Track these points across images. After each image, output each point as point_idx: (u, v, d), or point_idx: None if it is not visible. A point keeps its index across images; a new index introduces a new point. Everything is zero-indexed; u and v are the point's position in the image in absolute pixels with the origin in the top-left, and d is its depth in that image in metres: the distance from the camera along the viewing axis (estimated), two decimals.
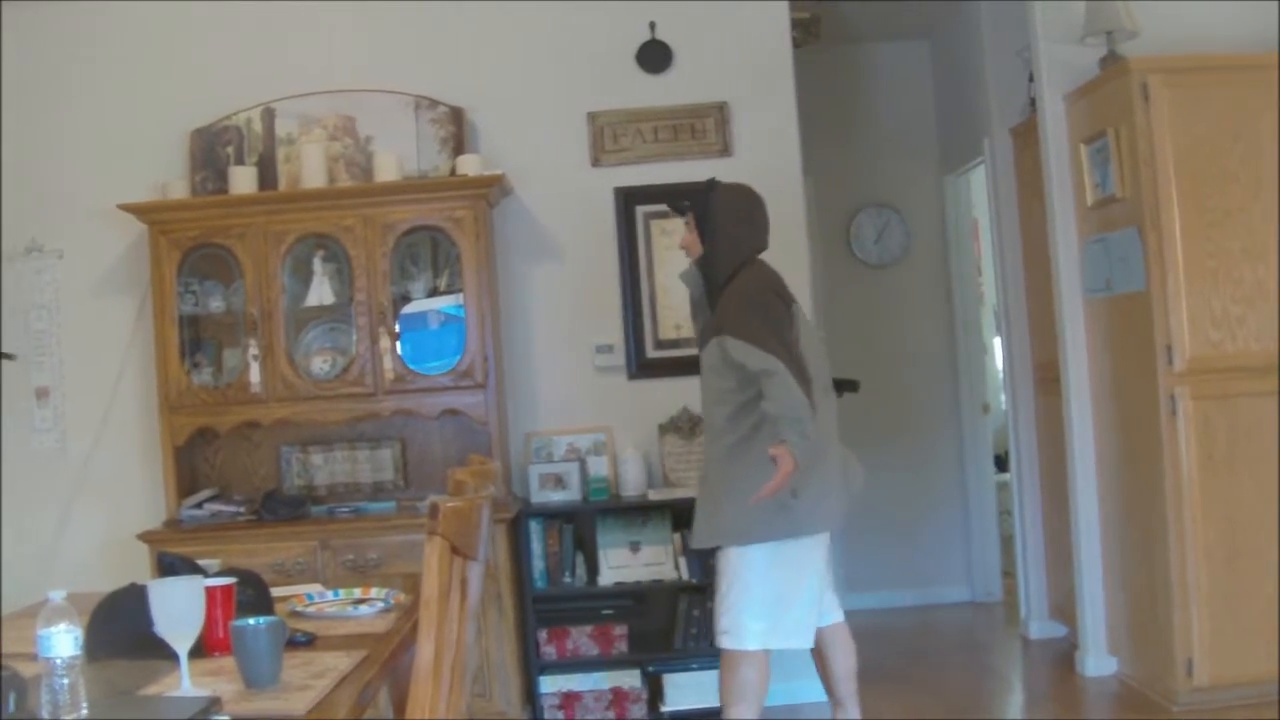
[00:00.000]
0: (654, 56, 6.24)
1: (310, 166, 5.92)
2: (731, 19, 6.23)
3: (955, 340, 8.11)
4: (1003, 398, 7.70)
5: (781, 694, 5.62)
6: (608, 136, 6.21)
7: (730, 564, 4.63)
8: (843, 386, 4.99)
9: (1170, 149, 5.43)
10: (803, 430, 4.31)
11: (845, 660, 4.91)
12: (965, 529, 8.05)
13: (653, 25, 6.24)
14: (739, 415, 4.58)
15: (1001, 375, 7.73)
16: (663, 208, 5.94)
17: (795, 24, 6.43)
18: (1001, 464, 8.15)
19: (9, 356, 5.79)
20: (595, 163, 6.22)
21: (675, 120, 6.22)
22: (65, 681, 2.36)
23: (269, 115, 6.17)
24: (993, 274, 7.74)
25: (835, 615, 4.91)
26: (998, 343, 7.97)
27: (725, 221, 4.71)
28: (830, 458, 4.61)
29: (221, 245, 5.87)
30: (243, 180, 5.93)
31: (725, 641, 4.64)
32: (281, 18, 6.28)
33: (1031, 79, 6.43)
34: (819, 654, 4.88)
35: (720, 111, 6.21)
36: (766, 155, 6.18)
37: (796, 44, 6.42)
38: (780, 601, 4.55)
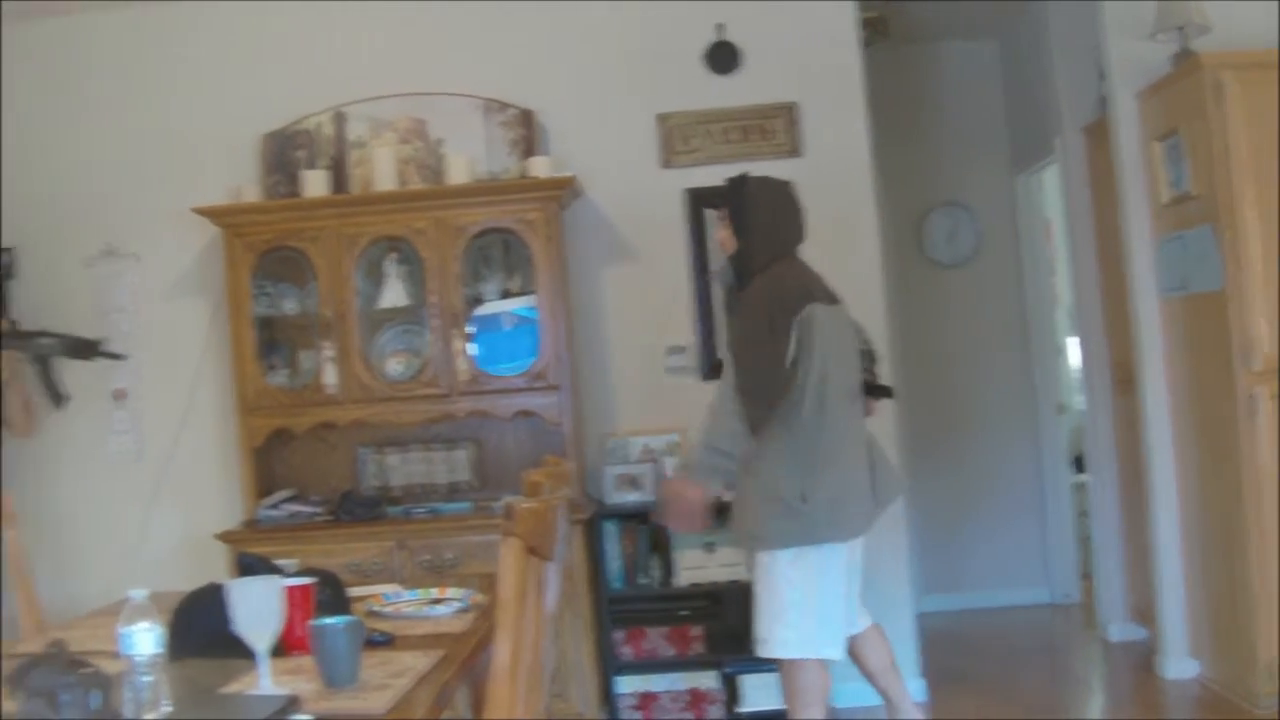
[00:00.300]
0: (722, 57, 6.23)
1: (382, 169, 5.96)
2: (800, 19, 6.21)
3: (1029, 340, 8.04)
4: (1079, 398, 7.63)
5: (853, 695, 5.58)
6: (677, 138, 6.20)
7: (760, 570, 4.58)
8: (874, 391, 4.87)
9: (1244, 145, 5.36)
10: (713, 465, 4.42)
11: (877, 656, 4.85)
12: (1042, 530, 7.98)
13: (721, 26, 6.23)
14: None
15: (1078, 375, 7.66)
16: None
17: (864, 23, 6.41)
18: (1079, 465, 8.07)
19: (118, 356, 5.84)
20: (665, 164, 6.21)
21: (744, 121, 6.21)
22: (147, 679, 2.38)
23: (340, 119, 6.21)
24: (1066, 273, 7.68)
25: (864, 622, 4.83)
26: (1073, 342, 7.91)
27: (758, 216, 4.64)
28: (851, 463, 4.51)
29: (295, 248, 5.91)
30: (315, 183, 5.98)
31: (761, 650, 4.59)
32: (352, 22, 6.33)
33: (1102, 77, 6.38)
34: (854, 657, 4.83)
35: (789, 112, 6.19)
36: (836, 155, 6.15)
37: (865, 43, 6.39)
38: (806, 609, 4.46)
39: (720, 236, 4.80)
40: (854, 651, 4.79)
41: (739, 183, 4.75)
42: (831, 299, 4.62)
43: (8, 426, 5.84)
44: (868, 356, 4.96)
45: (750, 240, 4.63)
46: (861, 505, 4.53)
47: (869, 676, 4.90)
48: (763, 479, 4.48)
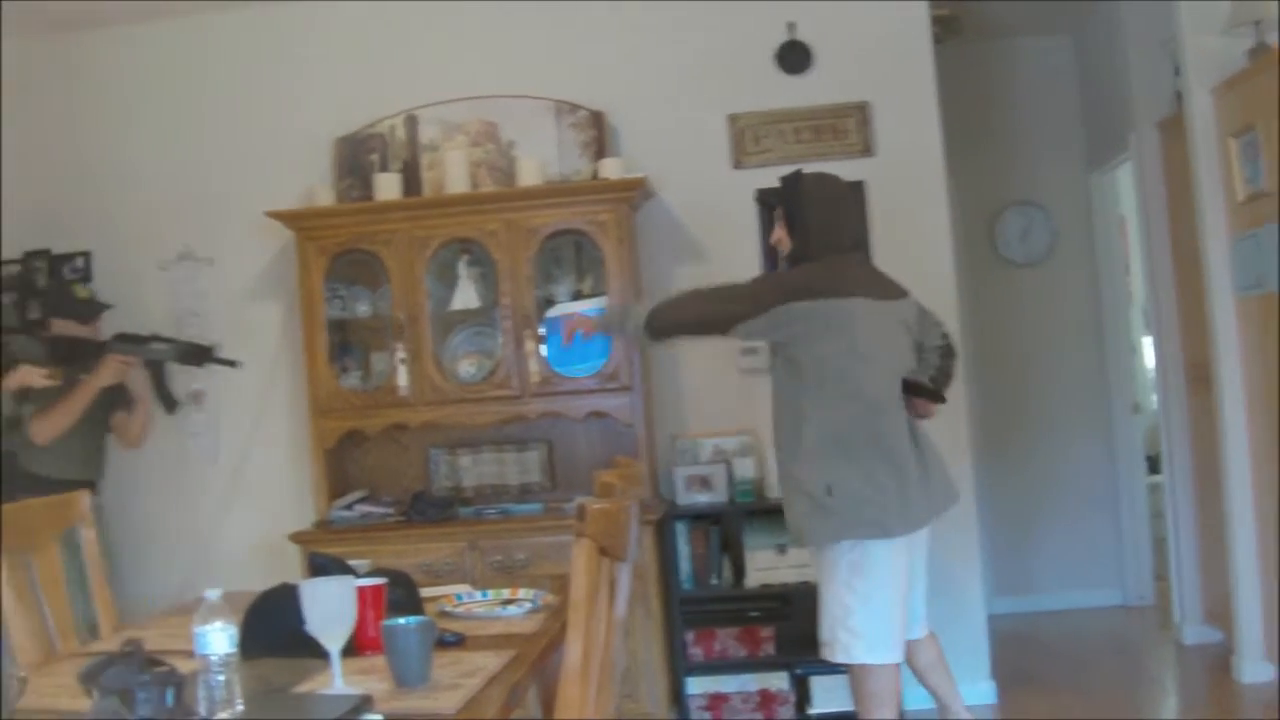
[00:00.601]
0: (794, 57, 6.21)
1: (453, 172, 5.99)
2: (871, 18, 6.18)
3: (1103, 339, 7.97)
4: (1153, 397, 7.56)
5: (925, 697, 5.55)
6: (749, 138, 6.19)
7: (821, 573, 4.53)
8: (920, 392, 4.64)
9: None
10: (609, 322, 4.83)
11: (926, 654, 4.78)
12: (1116, 531, 7.91)
13: (791, 26, 6.21)
14: (783, 411, 4.55)
15: (1152, 375, 7.58)
16: None
17: (935, 21, 6.36)
18: (1154, 465, 7.99)
19: (232, 363, 5.88)
20: (737, 165, 6.20)
21: (816, 121, 6.19)
22: (221, 678, 2.40)
23: (412, 122, 6.25)
24: (1141, 271, 7.61)
25: (923, 631, 4.76)
26: (1147, 341, 7.83)
27: (813, 214, 4.55)
28: (884, 462, 4.38)
29: (367, 251, 5.95)
30: (387, 187, 6.01)
31: (824, 653, 4.53)
32: (423, 26, 6.38)
33: (1177, 72, 6.30)
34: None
35: (861, 111, 6.16)
36: (909, 154, 6.12)
37: (937, 41, 6.34)
38: (866, 613, 4.39)
39: (776, 236, 4.73)
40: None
41: (793, 180, 4.68)
42: (885, 294, 4.54)
43: (120, 437, 5.86)
44: (942, 353, 4.81)
45: (805, 238, 4.56)
46: (897, 505, 4.37)
47: (918, 674, 4.85)
48: (795, 476, 4.46)
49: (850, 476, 4.33)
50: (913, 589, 4.59)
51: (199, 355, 5.80)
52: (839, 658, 4.46)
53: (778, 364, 4.58)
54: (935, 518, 4.55)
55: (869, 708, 4.48)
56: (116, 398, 5.70)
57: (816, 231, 4.54)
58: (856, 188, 5.67)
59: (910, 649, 4.67)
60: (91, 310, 5.73)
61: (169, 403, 5.81)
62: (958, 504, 4.70)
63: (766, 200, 4.94)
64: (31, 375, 5.25)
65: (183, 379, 6.23)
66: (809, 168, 5.87)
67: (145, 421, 5.79)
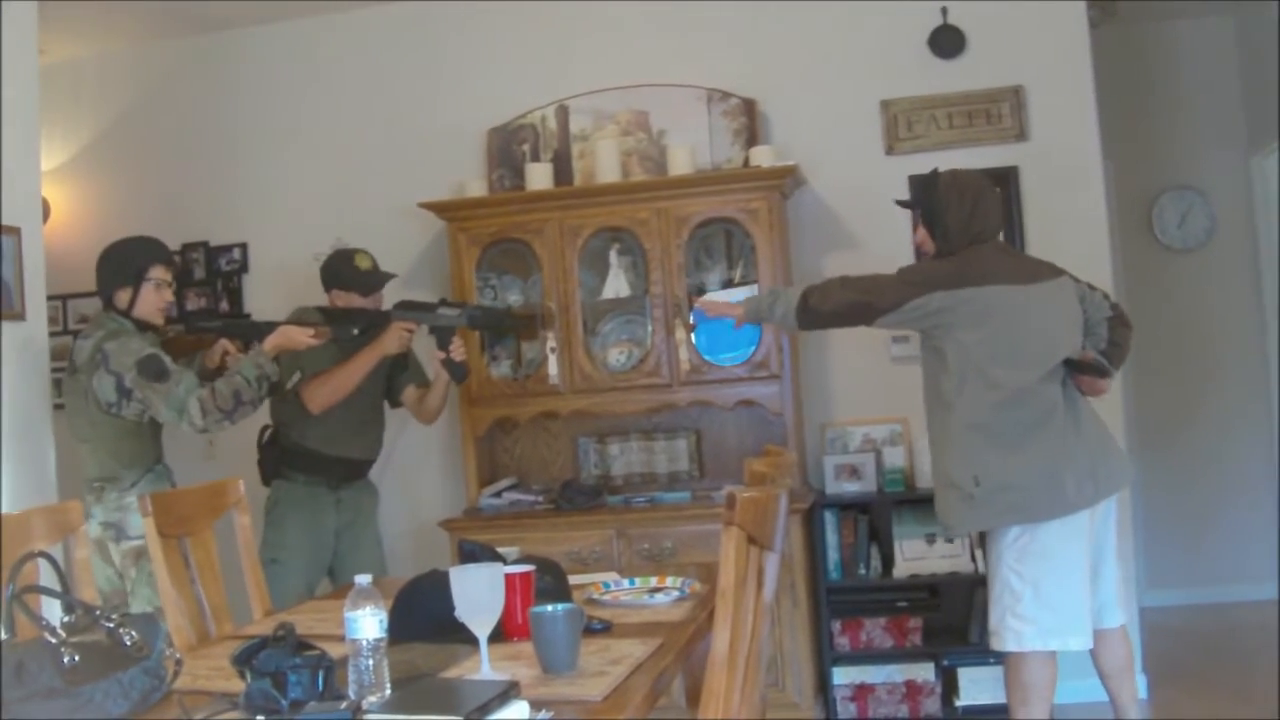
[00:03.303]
0: (947, 41, 6.13)
1: (604, 162, 6.01)
2: (1026, 1, 6.08)
3: (1265, 326, 7.77)
4: None
5: (1093, 690, 5.46)
6: (901, 124, 6.13)
7: (989, 560, 4.51)
8: (1087, 369, 4.54)
9: None
10: (757, 308, 4.83)
11: (1114, 657, 4.66)
12: (1275, 523, 7.72)
13: (944, 10, 6.13)
14: (932, 401, 4.57)
15: None
16: None
17: (1092, 3, 6.26)
18: None
19: (530, 323, 5.93)
20: (889, 151, 6.15)
21: (970, 106, 6.10)
22: (370, 662, 2.45)
23: (563, 112, 6.28)
24: None
25: (1116, 619, 4.65)
26: None
27: (952, 213, 4.54)
28: (1036, 446, 4.33)
29: (519, 240, 6.00)
30: (539, 177, 6.06)
31: (993, 642, 4.48)
32: (573, 16, 6.42)
33: None
34: (1091, 652, 4.63)
35: (1016, 95, 6.06)
36: (1064, 139, 6.01)
37: (1093, 24, 6.23)
38: (1038, 599, 4.34)
39: (918, 238, 4.76)
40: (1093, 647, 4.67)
41: (930, 182, 4.67)
42: (1030, 277, 4.50)
43: (416, 412, 5.75)
44: (1111, 324, 4.72)
45: (946, 237, 4.56)
46: (1045, 489, 4.32)
47: (1102, 675, 4.76)
48: (942, 466, 4.50)
49: (995, 464, 4.33)
50: (1100, 575, 4.53)
51: (494, 318, 5.72)
52: (1009, 645, 4.41)
53: (926, 355, 4.61)
54: (1104, 499, 4.47)
55: (1021, 701, 4.43)
56: (397, 372, 5.67)
57: (957, 229, 4.54)
58: (999, 176, 5.65)
59: (1100, 641, 4.55)
60: (375, 282, 5.53)
61: (460, 373, 5.46)
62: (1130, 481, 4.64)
63: (905, 204, 4.93)
64: (299, 335, 5.00)
65: None
66: (963, 154, 5.90)
67: (444, 394, 5.62)
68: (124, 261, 4.89)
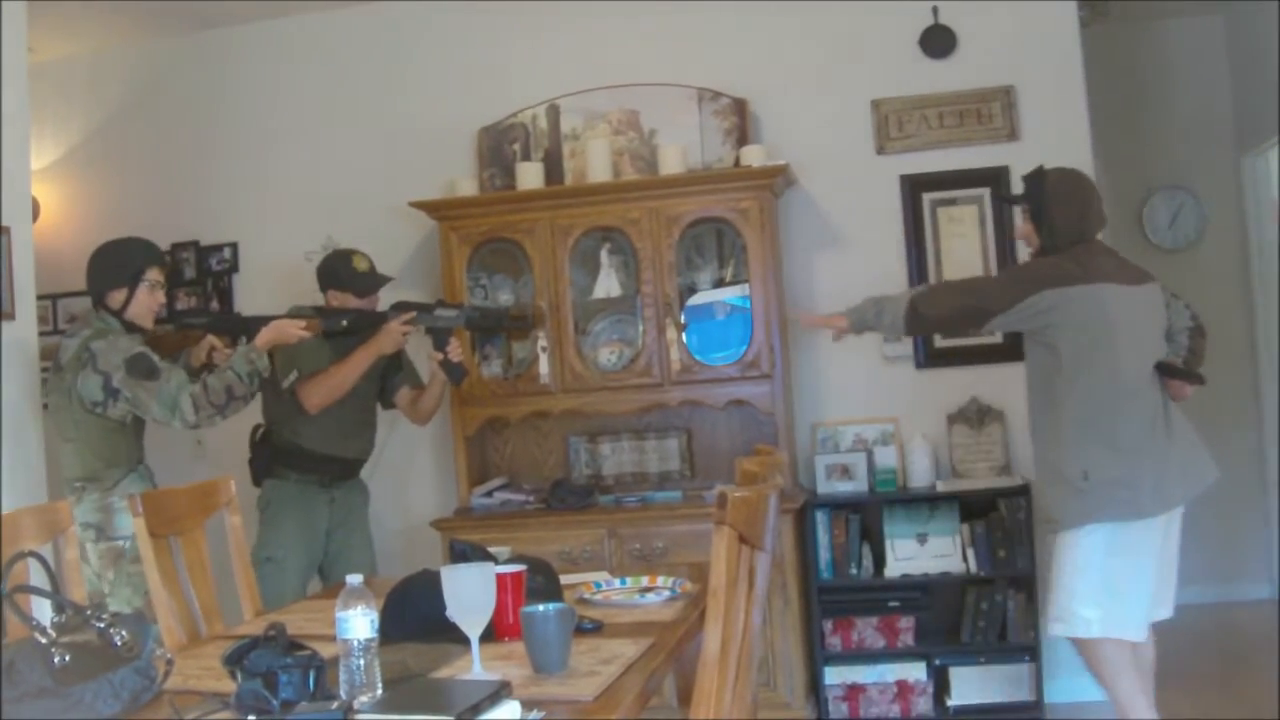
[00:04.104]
0: (938, 41, 6.13)
1: (596, 161, 6.00)
2: (1016, 0, 6.09)
3: (1255, 325, 7.78)
4: None
5: (1085, 690, 5.47)
6: (892, 124, 6.13)
7: (1062, 548, 4.56)
8: (1175, 373, 4.70)
9: None
10: (862, 317, 4.82)
11: (1148, 649, 4.70)
12: (1268, 523, 7.72)
13: (935, 10, 6.13)
14: (1040, 397, 4.63)
15: None
16: (949, 194, 6.02)
17: (1082, 3, 6.26)
18: None
19: (526, 325, 5.92)
20: (880, 150, 6.14)
21: (961, 105, 6.10)
22: (362, 662, 2.45)
23: (554, 112, 6.28)
24: None
25: (1166, 613, 4.72)
26: None
27: (1059, 209, 4.63)
28: (1140, 444, 4.46)
29: (510, 240, 6.00)
30: (530, 176, 6.05)
31: (1056, 629, 4.58)
32: (563, 15, 6.41)
33: None
34: None
35: (1007, 95, 6.06)
36: (1055, 139, 6.00)
37: (1084, 23, 6.23)
38: (1113, 590, 4.44)
39: (1023, 231, 4.85)
40: None
41: (1038, 177, 4.74)
42: (1132, 279, 4.60)
43: (409, 413, 5.75)
44: (1191, 333, 4.87)
45: (1051, 233, 4.64)
46: (1151, 485, 4.45)
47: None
48: (1051, 460, 4.57)
49: (1105, 460, 4.42)
50: (1167, 569, 4.63)
51: (492, 319, 5.69)
52: (1078, 632, 4.50)
53: (1034, 351, 4.68)
54: (1193, 496, 4.61)
55: (1110, 676, 4.51)
56: (391, 374, 5.65)
57: (1063, 225, 4.62)
58: (990, 176, 5.85)
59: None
60: (371, 283, 5.49)
61: (457, 374, 5.43)
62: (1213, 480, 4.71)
63: (1013, 200, 4.98)
64: (291, 328, 5.00)
65: None
66: (953, 153, 5.92)
67: (440, 395, 5.63)
68: (121, 262, 4.87)
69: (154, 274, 4.90)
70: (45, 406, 4.97)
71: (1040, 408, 4.66)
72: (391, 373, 5.64)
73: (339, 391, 5.26)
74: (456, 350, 5.36)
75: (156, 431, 4.99)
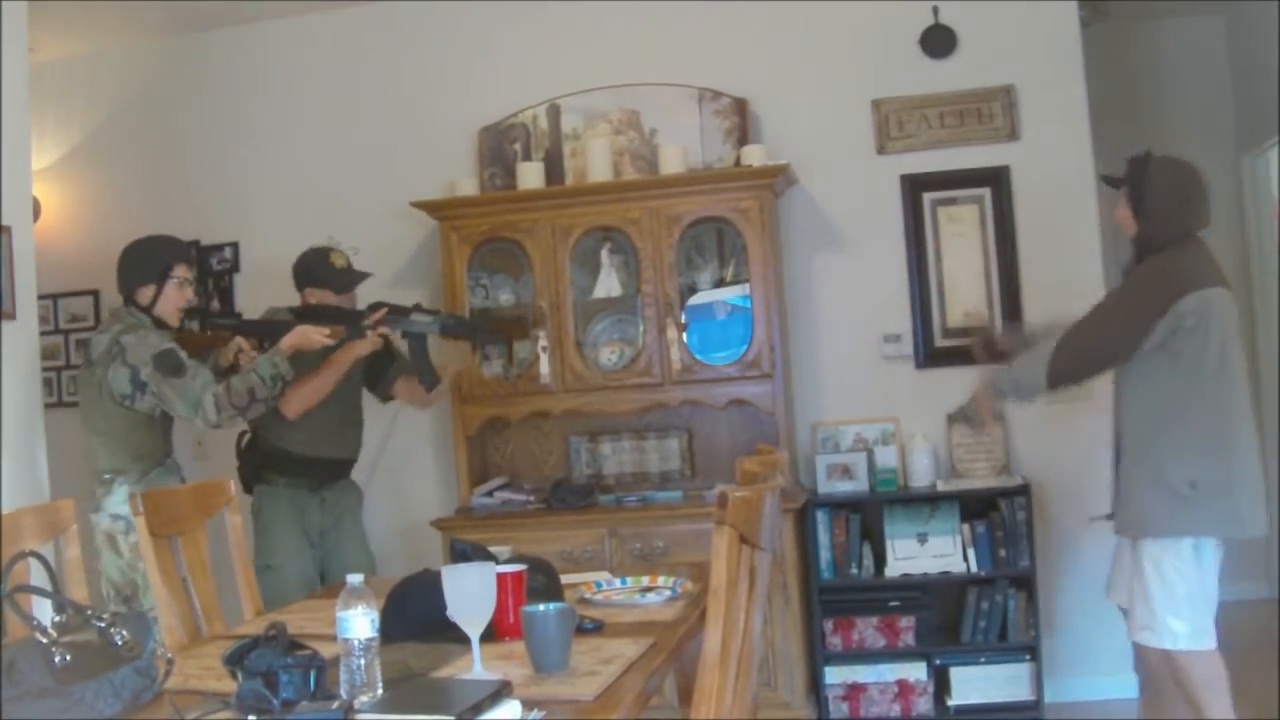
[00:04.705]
0: (938, 41, 6.13)
1: (596, 161, 6.00)
2: (1017, 0, 6.09)
3: (1254, 323, 7.78)
4: None
5: (1084, 689, 5.48)
6: (893, 123, 6.13)
7: (1150, 558, 4.38)
8: None
9: None
10: (999, 389, 4.57)
11: None
12: (1273, 522, 7.69)
13: (936, 9, 6.13)
14: (1151, 403, 4.40)
15: None
16: (949, 193, 6.02)
17: (1083, 3, 6.26)
18: None
19: (497, 339, 5.97)
20: (880, 150, 6.15)
21: (961, 105, 6.10)
22: (362, 662, 2.45)
23: (554, 112, 6.28)
24: None
25: None
26: None
27: (1160, 198, 4.42)
28: (1246, 455, 4.31)
29: (510, 239, 6.00)
30: (530, 176, 6.06)
31: (1143, 637, 4.41)
32: (564, 15, 6.41)
33: None
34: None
35: (1007, 95, 6.07)
36: (1056, 138, 6.02)
37: (1084, 23, 6.23)
38: (1198, 602, 4.30)
39: (1120, 216, 4.59)
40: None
41: (1141, 162, 4.56)
42: (1228, 284, 4.41)
43: (410, 398, 5.74)
44: None
45: (1150, 222, 4.44)
46: (1250, 499, 4.30)
47: (1150, 676, 4.74)
48: (1151, 464, 4.33)
49: (1215, 471, 4.24)
50: None
51: (465, 328, 5.60)
52: (1164, 644, 4.35)
53: (1150, 357, 4.37)
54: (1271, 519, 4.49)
55: (1207, 697, 4.36)
56: (384, 366, 5.62)
57: (1162, 217, 4.42)
58: (990, 176, 5.89)
59: None
60: (349, 281, 5.44)
61: (429, 379, 5.42)
62: None
63: (1112, 182, 4.78)
64: (315, 335, 5.00)
65: None
66: (954, 153, 5.91)
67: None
68: (150, 258, 4.93)
69: (182, 271, 4.96)
70: (53, 406, 4.98)
71: (1150, 413, 4.39)
72: (384, 365, 5.62)
73: (318, 396, 5.22)
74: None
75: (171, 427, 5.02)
